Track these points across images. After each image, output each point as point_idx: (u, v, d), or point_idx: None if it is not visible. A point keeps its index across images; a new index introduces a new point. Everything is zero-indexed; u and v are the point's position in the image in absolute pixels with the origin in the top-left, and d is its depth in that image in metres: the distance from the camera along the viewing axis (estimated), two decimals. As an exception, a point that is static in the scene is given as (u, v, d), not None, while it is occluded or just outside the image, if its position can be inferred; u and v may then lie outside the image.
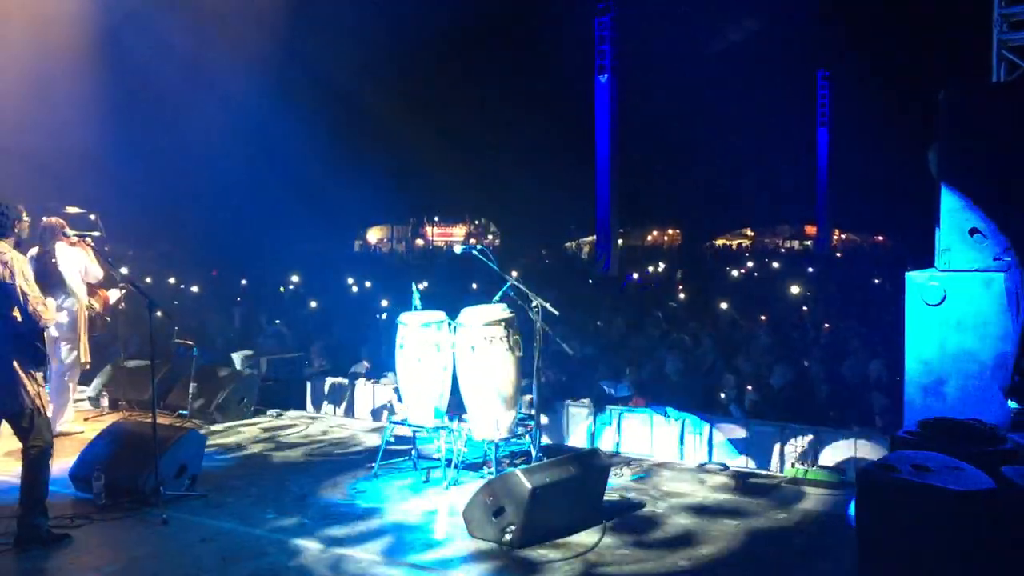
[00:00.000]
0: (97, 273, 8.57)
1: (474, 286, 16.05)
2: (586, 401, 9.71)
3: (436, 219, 54.07)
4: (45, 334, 5.99)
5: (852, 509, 6.17)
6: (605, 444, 9.05)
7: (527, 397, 7.85)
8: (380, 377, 10.86)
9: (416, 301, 7.39)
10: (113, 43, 15.83)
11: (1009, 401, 6.28)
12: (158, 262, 21.97)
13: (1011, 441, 5.47)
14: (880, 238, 47.28)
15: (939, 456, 4.94)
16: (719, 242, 52.45)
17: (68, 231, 8.19)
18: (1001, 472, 4.75)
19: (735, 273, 25.81)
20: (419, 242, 52.20)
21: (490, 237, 52.24)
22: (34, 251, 8.07)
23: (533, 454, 7.05)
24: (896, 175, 27.56)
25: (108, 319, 9.31)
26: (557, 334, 7.59)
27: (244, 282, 20.98)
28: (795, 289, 17.81)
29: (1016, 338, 6.36)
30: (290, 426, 9.25)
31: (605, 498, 6.43)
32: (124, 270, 11.73)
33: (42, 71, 13.71)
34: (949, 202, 6.68)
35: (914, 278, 6.76)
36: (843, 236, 51.27)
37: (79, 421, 8.94)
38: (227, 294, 18.87)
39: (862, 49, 32.04)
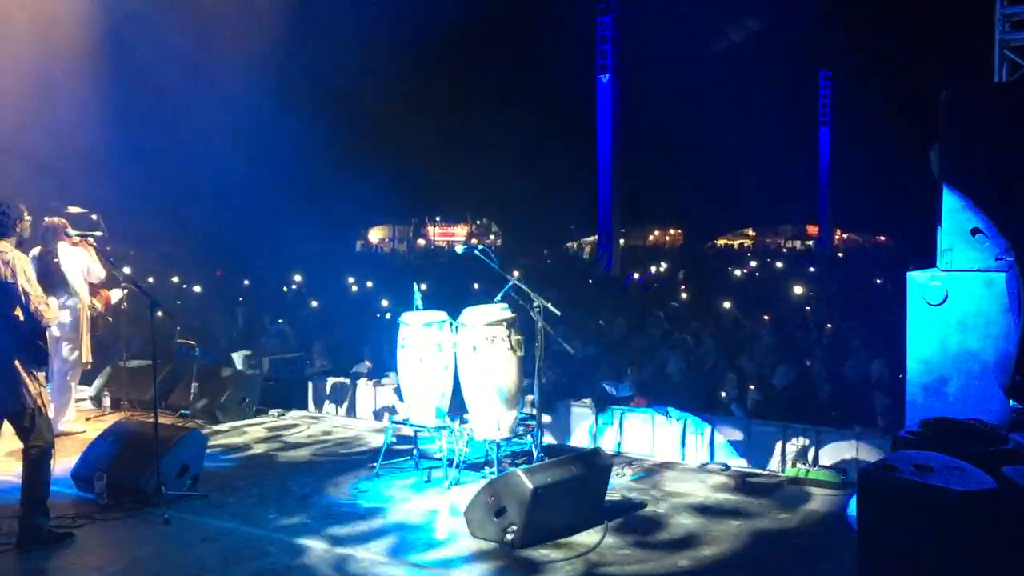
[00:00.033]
0: (99, 273, 8.59)
1: (476, 286, 16.06)
2: (588, 401, 9.72)
3: (438, 219, 54.09)
4: (47, 333, 5.99)
5: (851, 509, 6.20)
6: (607, 444, 9.07)
7: (529, 397, 7.86)
8: (382, 377, 10.88)
9: (418, 301, 7.39)
10: (115, 43, 15.82)
11: (1011, 401, 6.28)
12: (159, 262, 22.00)
13: (1012, 441, 5.46)
14: (882, 238, 47.28)
15: (940, 456, 4.93)
16: (720, 242, 52.45)
17: (70, 231, 8.20)
18: (1002, 472, 4.75)
19: (737, 273, 25.83)
20: (420, 242, 52.22)
21: (492, 237, 52.27)
22: (36, 251, 8.08)
23: (535, 454, 7.05)
24: (897, 175, 27.53)
25: (110, 319, 9.33)
26: (559, 334, 7.60)
27: (247, 283, 21.00)
28: (798, 290, 17.81)
29: (1017, 338, 6.35)
30: (292, 426, 9.25)
31: (607, 498, 6.43)
32: (127, 270, 11.74)
33: (44, 71, 13.71)
34: (950, 202, 6.67)
35: (916, 278, 6.76)
36: (845, 236, 51.28)
37: (81, 421, 8.94)
38: (230, 294, 18.89)
39: (863, 49, 32.05)
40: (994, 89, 7.45)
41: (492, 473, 6.80)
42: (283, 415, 9.67)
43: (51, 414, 6.14)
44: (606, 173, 27.06)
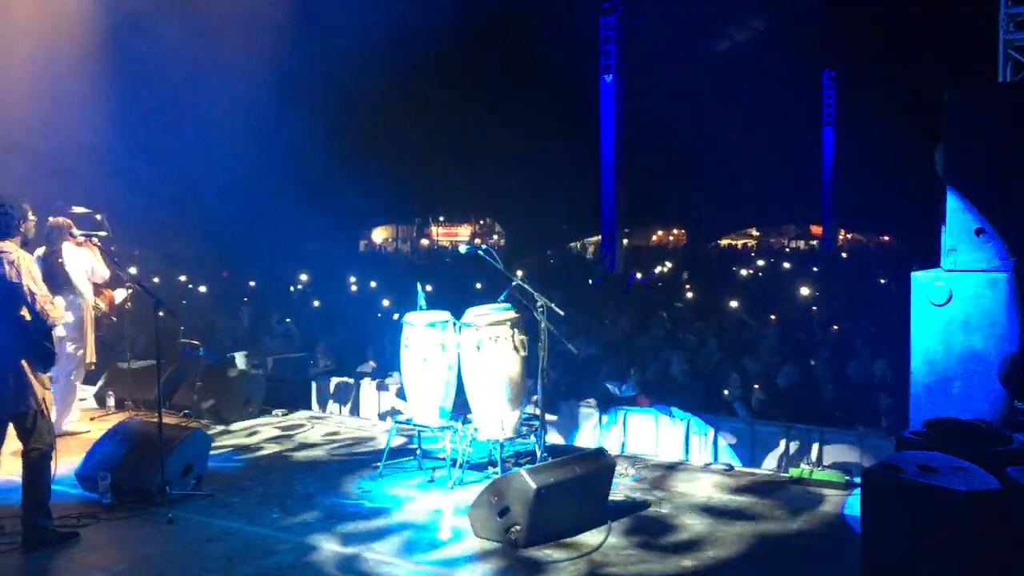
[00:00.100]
0: (104, 273, 8.60)
1: (479, 286, 16.07)
2: (591, 401, 9.73)
3: (441, 219, 54.10)
4: (52, 333, 6.00)
5: (848, 508, 6.21)
6: (610, 444, 9.06)
7: (532, 397, 7.86)
8: (386, 377, 10.88)
9: (421, 301, 7.40)
10: (120, 43, 15.86)
11: (1015, 401, 6.28)
12: (164, 262, 22.03)
13: (1017, 442, 5.45)
14: (886, 238, 47.16)
15: (944, 457, 4.93)
16: (724, 242, 52.39)
17: (75, 231, 8.22)
18: (1007, 472, 4.75)
19: (743, 273, 25.80)
20: (424, 242, 52.25)
21: (495, 237, 52.28)
22: (41, 251, 8.08)
23: (538, 454, 7.05)
24: (901, 175, 27.46)
25: (114, 319, 9.35)
26: (562, 334, 7.60)
27: (252, 284, 21.03)
28: (804, 291, 17.78)
29: (1019, 338, 6.35)
30: (296, 426, 9.25)
31: (610, 498, 6.44)
32: (132, 270, 11.76)
33: (49, 70, 13.73)
34: (954, 202, 6.67)
35: (920, 278, 6.75)
36: (849, 236, 51.18)
37: (85, 420, 8.95)
38: (236, 294, 18.92)
39: (868, 49, 31.99)
40: (998, 89, 7.45)
41: (496, 473, 6.82)
42: (287, 415, 9.68)
43: (54, 415, 6.14)
44: (610, 173, 27.05)
